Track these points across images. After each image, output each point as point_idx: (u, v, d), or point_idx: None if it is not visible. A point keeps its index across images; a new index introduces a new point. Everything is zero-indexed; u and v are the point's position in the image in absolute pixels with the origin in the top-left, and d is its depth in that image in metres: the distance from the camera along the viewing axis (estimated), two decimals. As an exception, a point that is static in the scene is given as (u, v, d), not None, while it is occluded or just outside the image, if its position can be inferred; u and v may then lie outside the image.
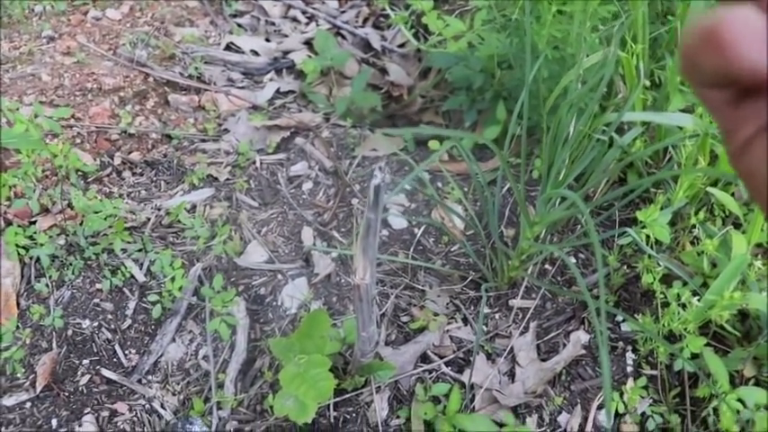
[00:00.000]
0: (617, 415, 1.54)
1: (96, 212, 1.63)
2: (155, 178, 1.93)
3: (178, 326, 1.65)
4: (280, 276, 1.73)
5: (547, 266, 1.76)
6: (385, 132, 2.12)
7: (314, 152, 2.03)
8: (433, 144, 1.95)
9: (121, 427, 1.52)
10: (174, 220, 1.81)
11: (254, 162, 2.00)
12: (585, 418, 1.54)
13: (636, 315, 1.65)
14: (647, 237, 1.50)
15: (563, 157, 1.50)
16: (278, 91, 2.26)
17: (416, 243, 1.81)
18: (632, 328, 1.55)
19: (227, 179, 1.95)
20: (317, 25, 2.45)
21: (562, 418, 1.54)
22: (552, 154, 1.47)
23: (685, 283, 1.49)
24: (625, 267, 1.67)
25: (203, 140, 2.05)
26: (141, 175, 1.92)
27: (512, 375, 1.59)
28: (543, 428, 1.53)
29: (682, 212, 1.66)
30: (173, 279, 1.59)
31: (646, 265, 1.57)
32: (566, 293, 1.68)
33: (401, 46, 2.46)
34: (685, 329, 1.43)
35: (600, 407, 1.56)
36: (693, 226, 1.59)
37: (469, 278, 1.72)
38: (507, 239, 1.78)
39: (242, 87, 2.26)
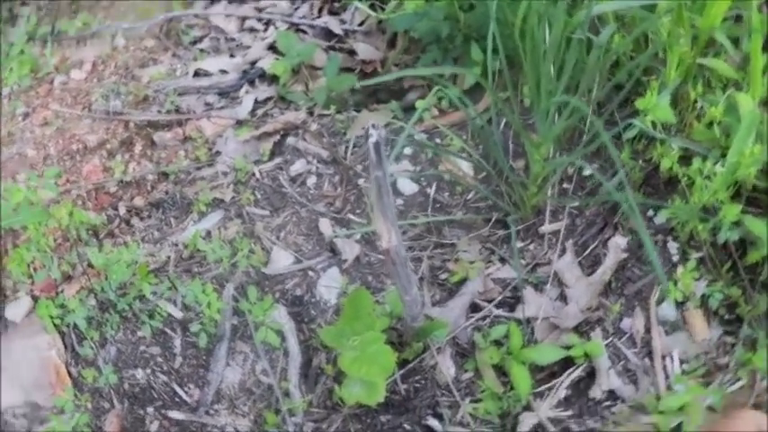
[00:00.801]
0: (678, 305, 1.48)
1: (116, 263, 1.57)
2: (163, 217, 1.87)
3: (228, 349, 1.60)
4: (311, 273, 1.67)
5: (565, 185, 1.70)
6: (371, 109, 2.06)
7: (308, 147, 1.97)
8: (420, 104, 1.89)
9: (203, 460, 1.47)
10: (193, 251, 1.75)
11: (254, 174, 1.94)
12: (648, 317, 1.48)
13: (665, 203, 1.59)
14: (653, 123, 1.43)
15: (547, 70, 1.44)
16: (256, 101, 2.20)
17: (432, 202, 1.75)
18: (666, 216, 1.48)
19: (233, 197, 1.89)
20: (276, 28, 2.39)
21: (625, 324, 1.48)
22: (536, 70, 1.41)
23: (705, 158, 1.42)
24: (640, 162, 1.60)
25: (198, 168, 2.00)
26: (149, 217, 1.87)
27: (563, 298, 1.53)
28: (609, 339, 1.47)
29: (680, 94, 1.59)
30: (209, 304, 1.54)
31: (660, 152, 1.50)
32: (591, 202, 1.61)
33: (362, 24, 2.39)
34: (717, 200, 1.36)
35: (659, 301, 1.49)
36: (695, 101, 1.52)
37: (493, 219, 1.66)
38: (519, 171, 1.71)
39: (221, 108, 2.20)
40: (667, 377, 1.42)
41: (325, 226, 1.74)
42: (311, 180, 1.89)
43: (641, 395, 1.40)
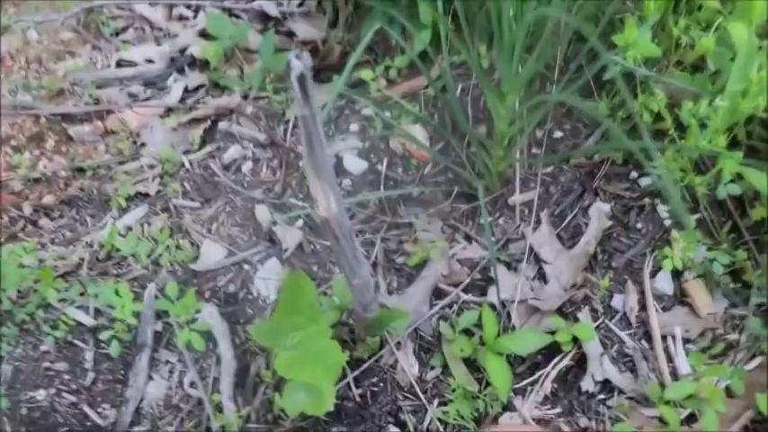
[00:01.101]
0: (675, 275, 1.25)
1: (12, 268, 1.30)
2: (77, 216, 1.60)
3: (150, 360, 1.33)
4: (246, 266, 1.41)
5: (534, 151, 1.46)
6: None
7: (242, 131, 1.72)
8: (365, 74, 1.65)
9: (120, 496, 1.20)
10: (111, 251, 1.48)
11: (183, 165, 1.68)
12: (642, 292, 1.24)
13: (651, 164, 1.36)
14: (634, 59, 1.20)
15: (507, 15, 1.20)
16: (186, 89, 1.94)
17: (385, 180, 1.50)
18: (659, 167, 1.25)
19: (159, 190, 1.63)
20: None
21: (616, 302, 1.24)
22: (497, 6, 1.17)
23: (696, 100, 1.19)
24: (620, 114, 1.37)
25: (121, 163, 1.73)
26: (61, 217, 1.59)
27: (542, 277, 1.29)
28: (600, 320, 1.23)
29: (660, 34, 1.37)
30: (123, 308, 1.27)
31: (642, 102, 1.27)
32: (567, 157, 1.38)
33: (300, 5, 2.15)
34: (715, 146, 1.13)
35: (653, 273, 1.26)
36: (678, 40, 1.29)
37: (455, 192, 1.41)
38: (481, 138, 1.47)
39: (147, 98, 1.94)
40: (670, 360, 1.18)
41: (263, 213, 1.48)
42: (247, 166, 1.63)
43: (641, 384, 1.15)
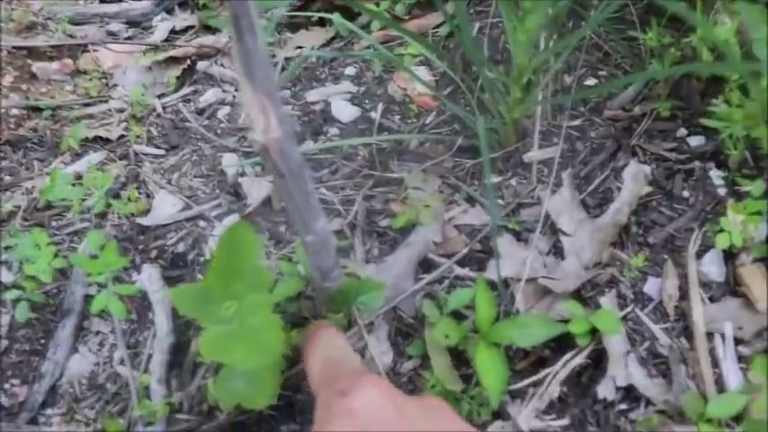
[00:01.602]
0: (728, 258, 0.96)
1: None
2: (24, 159, 1.37)
3: (77, 329, 1.08)
4: (202, 223, 1.16)
5: (560, 101, 1.18)
6: (309, 29, 1.56)
7: (224, 73, 1.47)
8: (369, 8, 1.37)
9: (19, 493, 0.95)
10: (51, 200, 1.24)
11: (155, 109, 1.44)
12: (684, 277, 0.95)
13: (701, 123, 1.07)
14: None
15: None
16: (173, 31, 1.70)
17: (378, 129, 1.23)
18: (715, 123, 0.96)
19: (122, 136, 1.38)
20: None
21: (651, 287, 0.95)
22: None
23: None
24: (672, 50, 1.08)
25: (87, 105, 1.49)
26: (4, 158, 1.36)
27: (559, 252, 1.01)
28: (628, 309, 0.95)
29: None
30: (38, 261, 1.03)
31: (701, 36, 0.98)
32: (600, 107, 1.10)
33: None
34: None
35: (700, 253, 0.97)
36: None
37: (458, 143, 1.14)
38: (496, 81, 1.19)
39: (128, 38, 1.70)
40: (716, 366, 0.90)
41: (230, 163, 1.23)
42: (223, 111, 1.38)
43: (676, 394, 0.87)
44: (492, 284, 0.95)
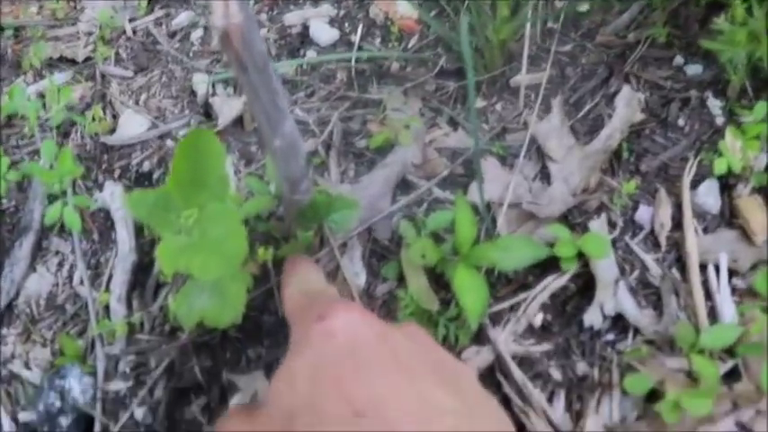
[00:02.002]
0: (725, 188, 0.91)
1: None
2: (-18, 78, 1.28)
3: (35, 247, 1.01)
4: (169, 142, 1.09)
5: (551, 24, 1.11)
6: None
7: (200, -4, 1.38)
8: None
9: (-34, 414, 0.89)
10: (12, 118, 1.16)
11: (124, 31, 1.35)
12: (678, 206, 0.90)
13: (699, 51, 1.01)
14: None
15: None
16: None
17: (357, 50, 1.16)
18: (714, 45, 0.90)
19: (89, 57, 1.30)
20: None
21: (642, 215, 0.90)
22: None
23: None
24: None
25: (53, 26, 1.40)
26: (-40, 76, 1.28)
27: (545, 177, 0.95)
28: (618, 237, 0.89)
29: None
30: (-8, 174, 0.95)
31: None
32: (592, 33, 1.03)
33: None
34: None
35: (696, 182, 0.91)
36: None
37: (441, 65, 1.07)
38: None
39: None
40: (709, 298, 0.85)
41: (201, 83, 1.15)
42: (196, 34, 1.30)
43: (667, 325, 0.82)
44: (474, 208, 0.89)
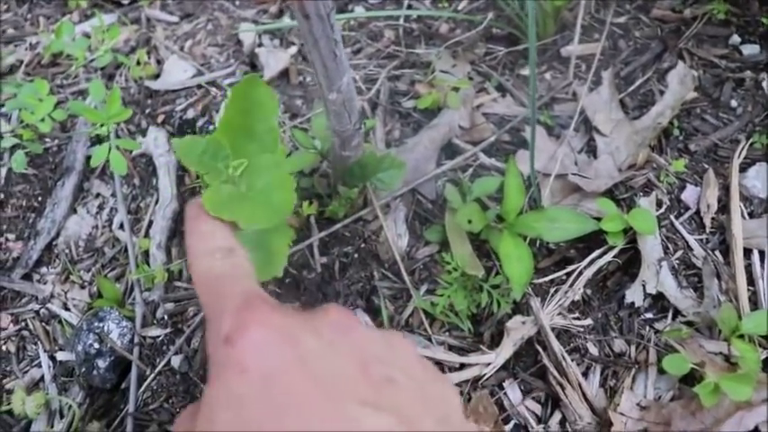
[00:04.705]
0: (774, 172, 0.86)
1: None
2: (28, 15, 1.24)
3: (77, 189, 0.98)
4: (214, 91, 1.05)
5: (606, -5, 1.06)
6: None
7: (247, -55, 1.32)
8: None
9: (5, 348, 0.87)
10: (57, 56, 1.12)
11: (171, -24, 1.30)
12: (726, 189, 0.85)
13: (757, 31, 0.96)
14: None
15: None
16: None
17: (407, 9, 1.11)
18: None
19: (134, 0, 1.25)
20: None
21: (689, 195, 0.86)
22: None
23: None
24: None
25: (100, -33, 1.35)
26: (7, 11, 1.23)
27: (592, 150, 0.90)
28: (662, 215, 0.85)
29: None
30: (40, 112, 0.92)
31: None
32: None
33: None
34: None
35: (745, 166, 0.87)
36: None
37: (492, 30, 1.02)
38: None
39: None
40: (752, 284, 0.81)
41: (248, 32, 1.10)
42: (243, -17, 1.25)
43: (707, 308, 0.78)
44: (521, 176, 0.85)
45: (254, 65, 1.07)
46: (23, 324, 0.89)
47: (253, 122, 0.73)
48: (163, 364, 0.81)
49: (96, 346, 0.82)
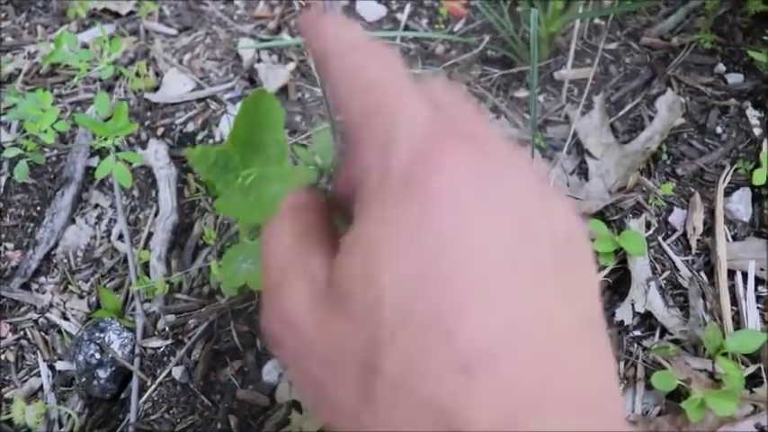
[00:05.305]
0: (757, 198, 0.90)
1: None
2: (26, 23, 1.24)
3: (76, 199, 0.99)
4: (214, 105, 1.06)
5: (597, 21, 1.09)
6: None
7: (245, -40, 1.34)
8: None
9: (3, 357, 0.87)
10: (56, 66, 1.13)
11: (168, -11, 1.31)
12: (711, 212, 0.89)
13: (741, 61, 1.00)
14: None
15: None
16: None
17: (403, 30, 1.13)
18: (761, 56, 0.88)
19: (132, 12, 1.26)
20: None
21: (676, 218, 0.89)
22: None
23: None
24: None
25: (97, -23, 1.36)
26: (5, 18, 1.24)
27: (583, 172, 0.93)
28: (650, 236, 0.88)
29: None
30: (44, 123, 0.92)
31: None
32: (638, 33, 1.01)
33: None
34: None
35: (729, 190, 0.90)
36: None
37: (487, 52, 1.05)
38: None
39: None
40: (735, 303, 0.84)
41: (247, 47, 1.12)
42: (241, -3, 1.26)
43: (693, 326, 0.81)
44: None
45: (252, 80, 1.08)
46: (22, 333, 0.90)
47: (261, 135, 0.75)
48: (164, 375, 0.82)
49: (97, 356, 0.82)
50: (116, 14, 1.26)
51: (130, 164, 0.98)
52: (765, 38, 0.90)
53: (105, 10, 1.27)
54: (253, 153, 0.76)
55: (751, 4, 0.95)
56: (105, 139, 0.85)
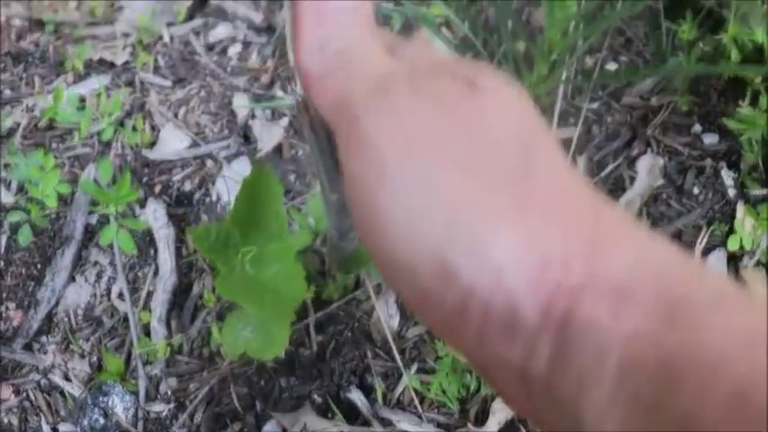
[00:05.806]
0: (732, 259, 0.94)
1: None
2: (24, 75, 1.26)
3: (76, 258, 1.01)
4: (210, 163, 1.09)
5: (579, 82, 1.13)
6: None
7: (237, 9, 1.37)
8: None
9: (6, 420, 0.90)
10: (53, 120, 1.15)
11: (161, 37, 1.34)
12: (689, 273, 0.92)
13: (716, 122, 1.04)
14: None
15: None
16: (184, -43, 1.58)
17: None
18: (735, 125, 0.92)
19: (127, 62, 1.28)
20: None
21: (656, 279, 0.92)
22: None
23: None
24: (700, 45, 1.03)
25: (92, 24, 1.38)
26: (3, 70, 1.26)
27: (567, 233, 0.96)
28: (633, 298, 0.91)
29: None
30: (45, 186, 0.95)
31: (733, 34, 0.94)
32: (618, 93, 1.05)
33: None
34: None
35: (706, 250, 0.94)
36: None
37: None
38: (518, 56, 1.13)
39: (137, -41, 1.57)
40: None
41: (241, 103, 1.15)
42: (235, 49, 1.29)
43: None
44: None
45: (247, 137, 1.11)
46: (25, 395, 0.92)
47: (260, 210, 0.78)
48: (167, 439, 0.84)
49: (102, 420, 0.85)
50: (111, 65, 1.29)
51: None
52: (742, 104, 0.94)
53: (101, 60, 1.29)
54: (253, 229, 0.79)
55: (725, 70, 0.99)
56: (107, 206, 0.88)
